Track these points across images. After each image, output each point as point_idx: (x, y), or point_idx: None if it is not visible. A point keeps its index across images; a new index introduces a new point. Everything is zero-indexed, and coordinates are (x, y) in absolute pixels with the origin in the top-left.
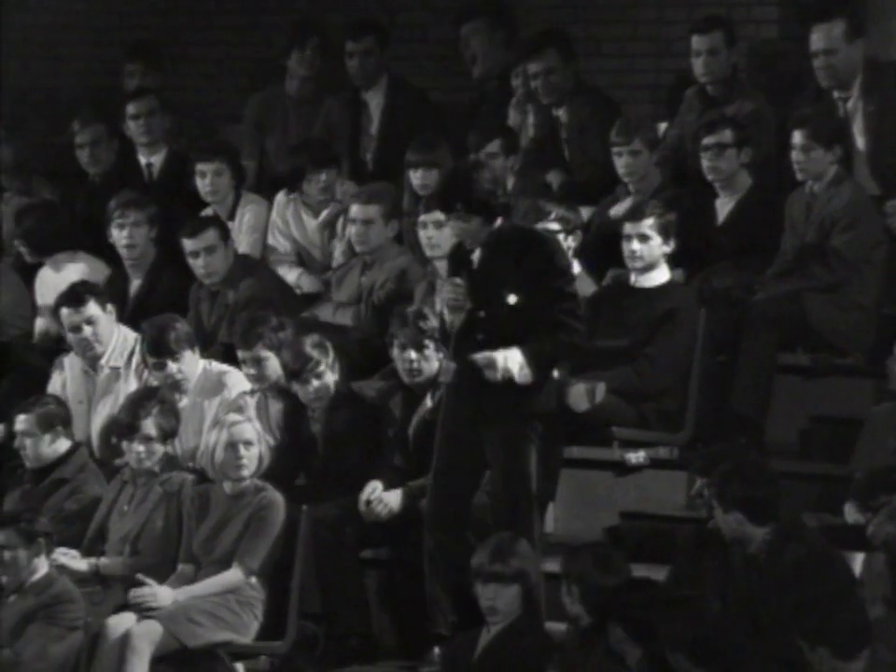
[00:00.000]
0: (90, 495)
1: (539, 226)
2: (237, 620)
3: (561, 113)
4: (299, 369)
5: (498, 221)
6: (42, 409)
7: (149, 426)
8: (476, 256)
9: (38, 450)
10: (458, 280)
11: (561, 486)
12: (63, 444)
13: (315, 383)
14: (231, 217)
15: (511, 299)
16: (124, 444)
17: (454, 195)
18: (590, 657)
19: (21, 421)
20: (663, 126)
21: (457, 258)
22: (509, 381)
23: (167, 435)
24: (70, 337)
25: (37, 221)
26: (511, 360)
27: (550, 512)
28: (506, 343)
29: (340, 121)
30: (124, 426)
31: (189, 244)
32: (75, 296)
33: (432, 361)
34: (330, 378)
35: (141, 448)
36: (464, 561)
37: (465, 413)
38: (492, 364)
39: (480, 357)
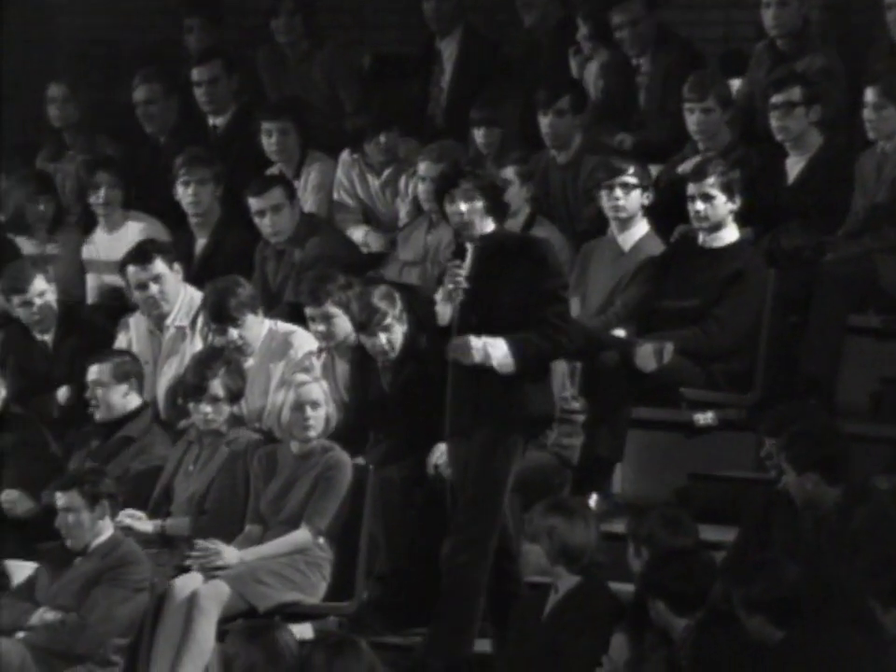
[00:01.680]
0: (156, 455)
1: (608, 182)
2: (305, 580)
3: (643, 62)
4: (366, 320)
5: (491, 227)
6: (118, 359)
7: (216, 386)
8: (467, 263)
9: (110, 399)
10: (459, 262)
11: (629, 447)
12: (134, 400)
13: (383, 335)
14: (297, 175)
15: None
16: (191, 405)
17: (463, 170)
18: None
19: (94, 371)
20: (736, 83)
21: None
22: (503, 380)
23: (234, 395)
24: (136, 295)
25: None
26: (493, 348)
27: (617, 473)
28: None
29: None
30: (191, 386)
31: (255, 202)
32: (142, 254)
33: None
34: (399, 331)
35: (208, 409)
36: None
37: (463, 408)
38: (466, 348)
39: (454, 343)
